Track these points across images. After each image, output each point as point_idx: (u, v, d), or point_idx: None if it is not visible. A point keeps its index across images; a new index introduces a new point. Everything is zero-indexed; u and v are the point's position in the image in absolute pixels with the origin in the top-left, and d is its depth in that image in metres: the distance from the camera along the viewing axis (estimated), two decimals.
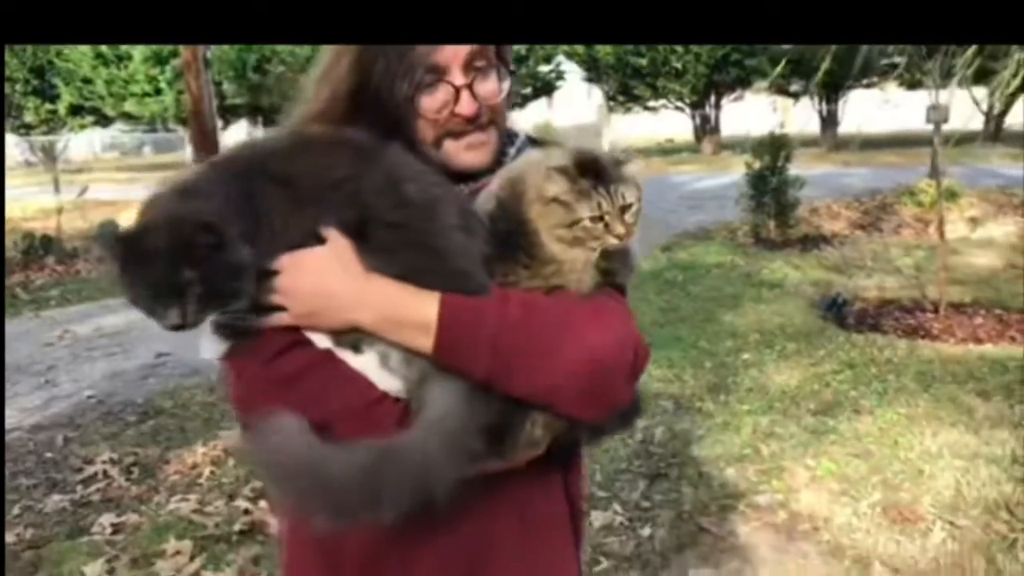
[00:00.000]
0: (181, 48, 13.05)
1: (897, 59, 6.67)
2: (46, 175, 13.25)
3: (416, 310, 1.13)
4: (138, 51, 29.18)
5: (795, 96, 27.38)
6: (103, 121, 34.22)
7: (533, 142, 1.44)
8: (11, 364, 6.33)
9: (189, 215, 1.07)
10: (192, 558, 3.51)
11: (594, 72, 30.11)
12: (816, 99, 28.35)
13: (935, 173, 6.68)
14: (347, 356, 1.16)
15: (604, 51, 28.40)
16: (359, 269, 1.15)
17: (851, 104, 27.57)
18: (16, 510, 4.01)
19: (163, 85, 29.71)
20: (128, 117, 32.16)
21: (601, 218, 1.19)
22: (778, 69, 10.00)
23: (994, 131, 25.47)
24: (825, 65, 7.18)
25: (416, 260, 1.16)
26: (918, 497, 3.82)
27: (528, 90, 31.33)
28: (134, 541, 3.68)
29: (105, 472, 4.36)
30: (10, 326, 7.69)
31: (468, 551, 1.28)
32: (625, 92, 29.80)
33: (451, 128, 1.28)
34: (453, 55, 1.24)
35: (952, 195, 7.57)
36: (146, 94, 30.02)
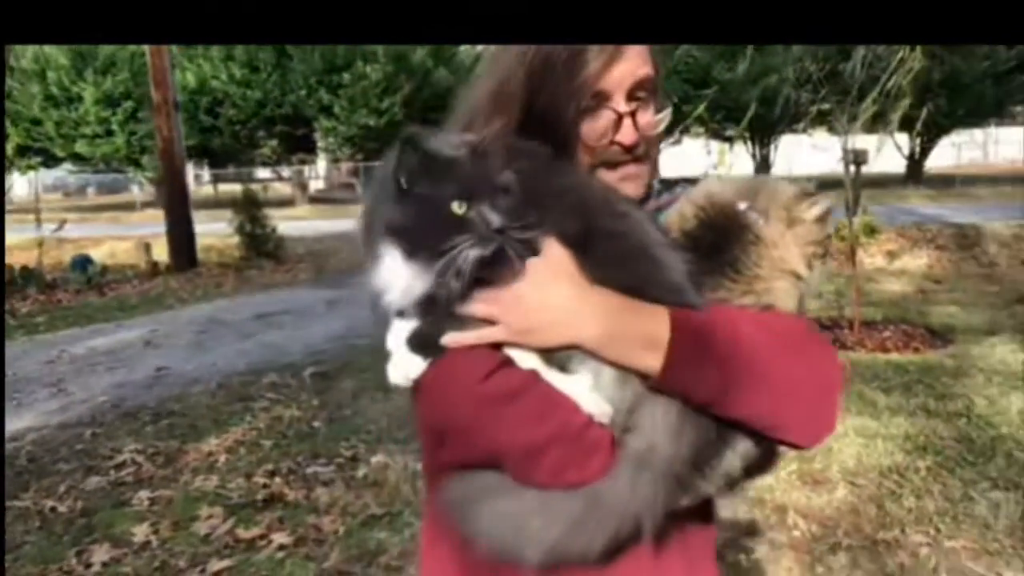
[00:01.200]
0: (152, 91, 13.64)
1: (825, 106, 7.48)
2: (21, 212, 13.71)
3: (646, 325, 1.07)
4: (89, 93, 29.47)
5: (730, 140, 28.73)
6: (51, 162, 34.24)
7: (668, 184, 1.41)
8: (21, 377, 6.90)
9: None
10: (224, 520, 4.17)
11: None
12: (750, 143, 29.84)
13: (849, 211, 7.60)
14: (555, 377, 1.08)
15: None
16: (583, 282, 1.08)
17: (783, 148, 29.11)
18: (62, 488, 4.61)
19: (115, 127, 30.00)
20: (78, 158, 32.29)
21: (826, 240, 1.26)
22: (699, 110, 10.74)
23: (915, 174, 27.01)
24: (750, 112, 8.08)
25: (638, 272, 1.11)
26: (828, 466, 4.62)
27: None
28: (170, 510, 4.31)
29: (133, 459, 4.98)
30: (7, 348, 8.20)
31: None
32: None
33: (608, 157, 1.23)
34: (619, 83, 1.20)
35: (872, 231, 8.46)
36: (97, 136, 30.25)
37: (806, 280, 1.23)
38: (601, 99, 1.20)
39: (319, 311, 9.91)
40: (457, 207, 1.02)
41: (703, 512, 1.28)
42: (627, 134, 1.21)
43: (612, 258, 1.10)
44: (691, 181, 1.36)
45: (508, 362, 1.07)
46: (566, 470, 1.05)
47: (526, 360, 1.07)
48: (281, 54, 27.93)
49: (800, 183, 1.28)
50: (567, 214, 1.09)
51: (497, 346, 1.08)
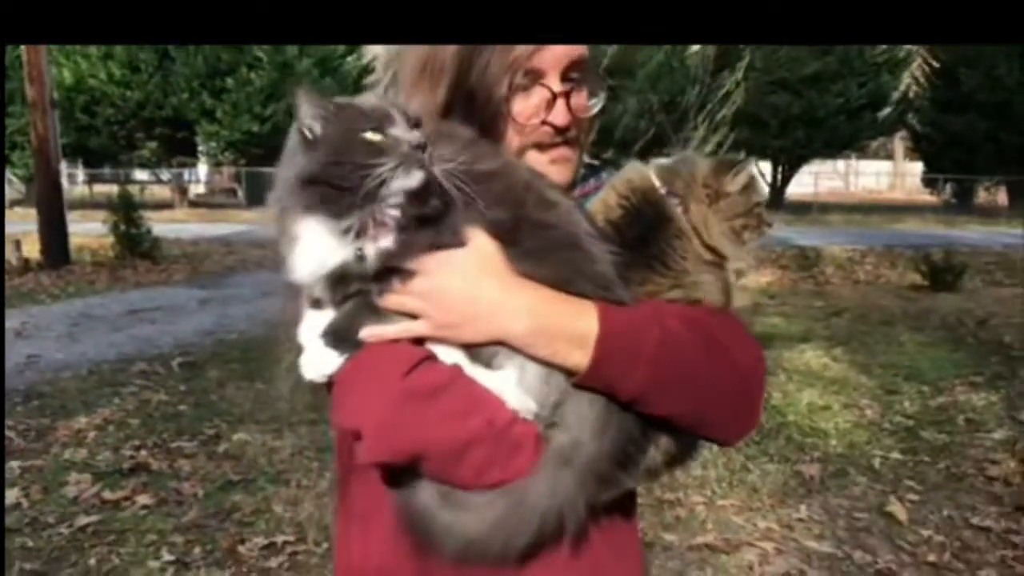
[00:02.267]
0: (27, 87, 13.58)
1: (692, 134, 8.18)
2: None
3: (574, 321, 1.04)
4: None
5: (602, 163, 29.71)
6: None
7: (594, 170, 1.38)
8: None
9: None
10: (92, 485, 4.55)
11: None
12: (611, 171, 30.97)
13: None
14: (479, 373, 1.05)
15: None
16: (510, 275, 1.05)
17: None
18: None
19: None
20: None
21: (758, 207, 1.24)
22: None
23: (775, 201, 28.71)
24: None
25: (566, 265, 1.07)
26: None
27: None
28: (41, 477, 4.68)
29: (3, 435, 5.29)
30: None
31: None
32: None
33: (539, 139, 1.19)
34: (554, 61, 1.17)
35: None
36: None
37: (735, 257, 1.23)
38: (534, 77, 1.17)
39: (191, 308, 10.16)
40: (371, 135, 0.98)
41: (627, 502, 1.25)
42: (560, 115, 1.18)
43: (540, 250, 1.06)
44: (615, 164, 1.34)
45: (430, 357, 1.04)
46: (490, 468, 1.02)
47: (449, 355, 1.04)
48: (164, 55, 27.60)
49: (720, 156, 1.27)
50: (494, 202, 1.05)
51: (419, 341, 1.05)
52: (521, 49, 1.14)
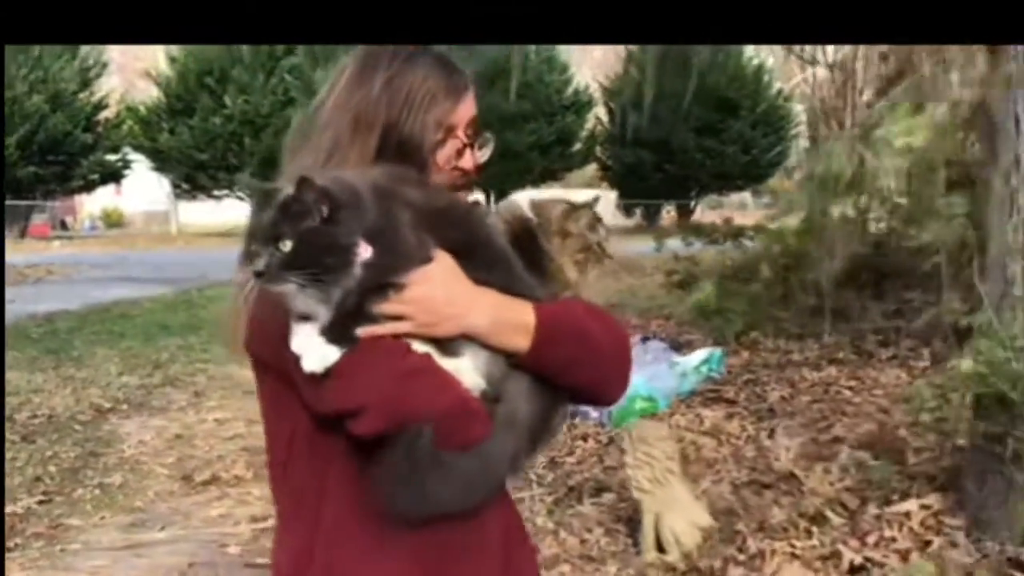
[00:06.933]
0: None
1: None
2: None
3: (519, 315, 1.31)
4: None
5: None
6: None
7: None
8: None
9: (316, 181, 1.18)
10: None
11: (159, 163, 32.07)
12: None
13: None
14: (444, 360, 1.28)
15: (168, 144, 30.64)
16: (469, 282, 1.30)
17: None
18: None
19: None
20: None
21: (599, 244, 1.51)
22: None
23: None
24: None
25: (506, 274, 1.35)
26: None
27: (96, 176, 32.79)
28: None
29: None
30: None
31: (458, 554, 1.37)
32: (190, 181, 32.15)
33: (452, 180, 1.44)
34: (462, 118, 1.43)
35: None
36: None
37: (577, 284, 1.49)
38: (450, 131, 1.41)
39: None
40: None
41: (508, 496, 1.48)
42: (469, 160, 1.44)
43: (486, 262, 1.33)
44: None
45: (410, 348, 1.27)
46: (459, 433, 1.24)
47: (420, 347, 1.27)
48: None
49: (570, 199, 1.55)
50: (450, 227, 1.30)
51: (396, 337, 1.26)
52: (444, 108, 1.40)
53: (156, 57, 32.81)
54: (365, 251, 1.19)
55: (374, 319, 1.24)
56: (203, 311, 12.19)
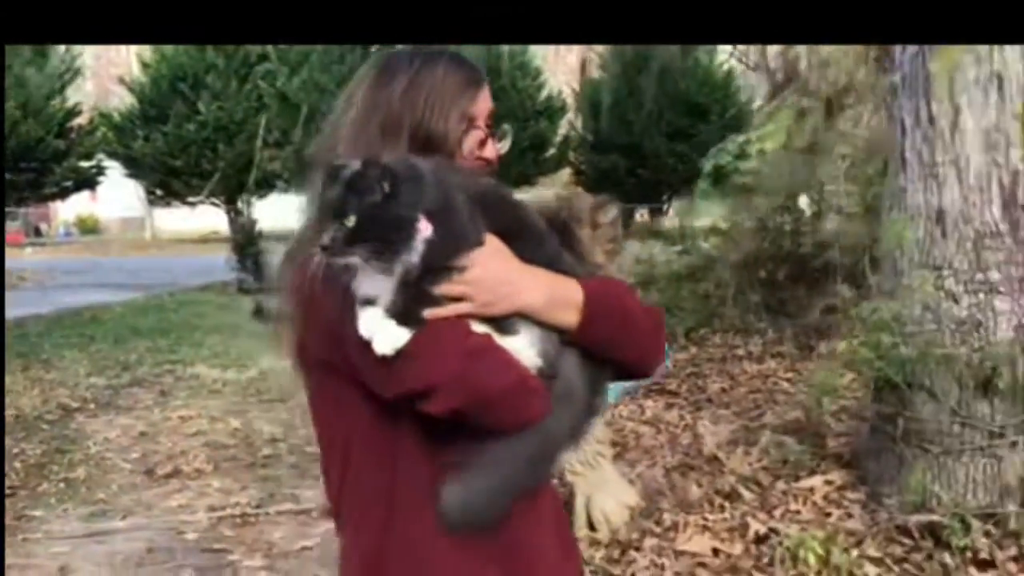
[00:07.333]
0: None
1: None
2: None
3: (568, 292, 1.35)
4: None
5: None
6: None
7: None
8: None
9: (383, 161, 1.22)
10: None
11: (133, 169, 32.03)
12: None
13: None
14: (502, 339, 1.31)
15: (142, 151, 30.59)
16: (520, 262, 1.33)
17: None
18: None
19: None
20: None
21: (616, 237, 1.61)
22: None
23: None
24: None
25: (548, 253, 1.39)
26: None
27: (69, 183, 32.77)
28: None
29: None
30: None
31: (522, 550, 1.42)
32: (164, 187, 32.07)
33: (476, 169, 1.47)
34: (482, 110, 1.47)
35: None
36: None
37: (607, 271, 1.52)
38: (471, 122, 1.45)
39: None
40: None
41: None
42: (491, 150, 1.49)
43: (531, 242, 1.36)
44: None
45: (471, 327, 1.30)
46: (523, 411, 1.29)
47: (479, 326, 1.30)
48: None
49: (597, 196, 1.56)
50: (495, 210, 1.34)
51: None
52: (465, 101, 1.44)
53: (130, 63, 32.68)
54: (426, 228, 1.22)
55: (437, 301, 1.27)
56: (173, 315, 12.46)
